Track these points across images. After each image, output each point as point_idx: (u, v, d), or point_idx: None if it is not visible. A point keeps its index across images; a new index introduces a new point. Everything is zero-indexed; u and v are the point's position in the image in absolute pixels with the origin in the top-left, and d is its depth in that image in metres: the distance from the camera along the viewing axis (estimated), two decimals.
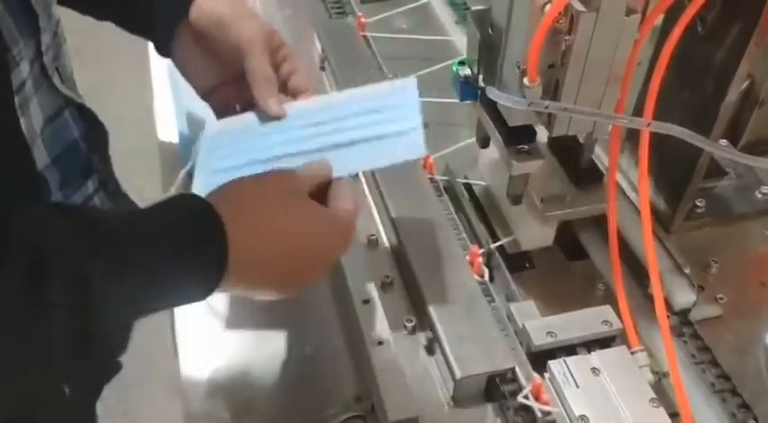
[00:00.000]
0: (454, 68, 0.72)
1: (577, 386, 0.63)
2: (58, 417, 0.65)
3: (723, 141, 0.72)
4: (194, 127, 0.79)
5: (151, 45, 0.73)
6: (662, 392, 0.66)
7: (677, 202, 0.76)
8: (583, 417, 0.61)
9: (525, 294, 0.75)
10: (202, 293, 0.54)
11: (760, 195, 0.81)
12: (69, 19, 0.72)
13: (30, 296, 0.44)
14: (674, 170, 0.75)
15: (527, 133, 0.69)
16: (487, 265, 0.76)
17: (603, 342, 0.68)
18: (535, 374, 0.65)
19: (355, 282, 0.72)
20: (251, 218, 0.55)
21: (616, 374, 0.64)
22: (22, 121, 0.58)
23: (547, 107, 0.63)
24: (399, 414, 0.62)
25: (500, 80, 0.67)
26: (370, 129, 0.64)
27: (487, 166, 0.84)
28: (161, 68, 0.96)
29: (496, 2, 0.65)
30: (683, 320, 0.73)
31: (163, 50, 0.71)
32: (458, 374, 0.64)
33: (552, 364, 0.65)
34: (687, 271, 0.74)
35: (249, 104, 0.70)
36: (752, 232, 0.81)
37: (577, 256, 0.81)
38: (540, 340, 0.67)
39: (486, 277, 0.74)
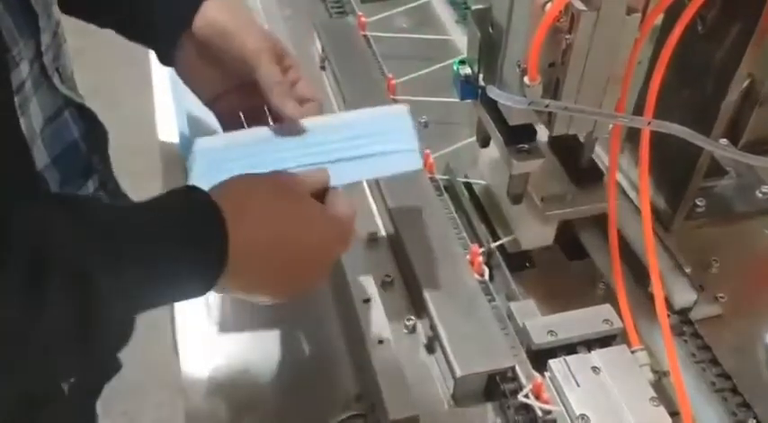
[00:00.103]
0: (454, 67, 0.72)
1: (578, 385, 0.63)
2: (58, 416, 0.65)
3: (723, 140, 0.72)
4: (194, 127, 0.79)
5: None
6: (662, 391, 0.66)
7: (677, 201, 0.76)
8: (583, 416, 0.61)
9: (525, 293, 0.75)
10: (201, 288, 0.54)
11: (760, 195, 0.81)
12: (70, 19, 0.72)
13: (30, 296, 0.44)
14: (675, 169, 0.75)
15: (527, 132, 0.69)
16: (488, 264, 0.76)
17: (604, 341, 0.68)
18: (535, 373, 0.65)
19: (355, 281, 0.72)
20: (252, 214, 0.55)
21: (616, 373, 0.64)
22: (21, 121, 0.58)
23: (547, 106, 0.63)
24: (400, 413, 0.62)
25: (500, 79, 0.67)
26: (368, 148, 0.67)
27: (488, 165, 0.83)
28: (161, 68, 0.96)
29: (497, 1, 0.65)
30: (683, 319, 0.73)
31: (165, 60, 0.71)
32: (458, 373, 0.65)
33: (552, 362, 0.65)
34: (687, 270, 0.74)
35: (253, 111, 0.71)
36: (752, 231, 0.81)
37: (578, 255, 0.81)
38: (540, 339, 0.67)
39: (487, 276, 0.74)
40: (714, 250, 0.77)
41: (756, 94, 0.70)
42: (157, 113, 0.96)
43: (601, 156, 0.80)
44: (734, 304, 0.74)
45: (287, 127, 0.68)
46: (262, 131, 0.69)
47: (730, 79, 0.66)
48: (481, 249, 0.75)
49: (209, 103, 0.72)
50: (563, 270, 0.80)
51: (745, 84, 0.69)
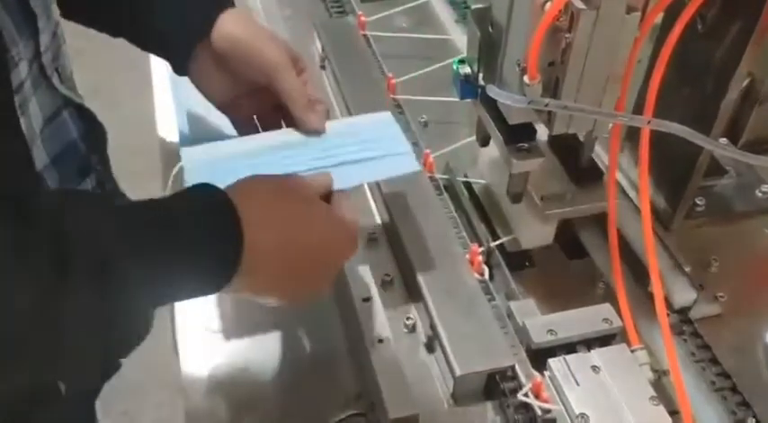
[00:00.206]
0: (454, 67, 0.72)
1: (577, 384, 0.63)
2: (57, 416, 0.65)
3: (723, 139, 0.72)
4: (194, 127, 0.79)
5: None
6: (662, 390, 0.66)
7: (677, 200, 0.76)
8: (583, 415, 0.61)
9: (525, 293, 0.75)
10: (214, 286, 0.53)
11: (760, 194, 0.81)
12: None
13: (54, 280, 0.44)
14: (674, 169, 0.75)
15: (527, 131, 0.69)
16: (487, 263, 0.76)
17: (603, 340, 0.68)
18: (535, 372, 0.65)
19: (355, 280, 0.72)
20: (264, 214, 0.55)
21: (616, 372, 0.64)
22: (21, 121, 0.58)
23: (547, 105, 0.62)
24: (399, 412, 0.62)
25: (500, 78, 0.67)
26: (365, 153, 0.68)
27: (487, 164, 0.83)
28: (161, 68, 0.96)
29: (497, 0, 0.65)
30: (682, 319, 0.73)
31: (180, 70, 0.72)
32: (458, 372, 0.65)
33: (552, 361, 0.65)
34: (687, 269, 0.74)
35: (267, 115, 0.73)
36: (752, 231, 0.81)
37: (577, 254, 0.81)
38: (540, 338, 0.67)
39: (486, 276, 0.74)
40: (714, 249, 0.77)
41: (756, 93, 0.70)
42: (157, 113, 0.97)
43: (600, 155, 0.80)
44: (733, 303, 0.74)
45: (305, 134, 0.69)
46: (248, 140, 0.70)
47: (730, 78, 0.66)
48: (481, 249, 0.75)
49: (222, 108, 0.73)
50: (563, 269, 0.80)
51: (745, 83, 0.69)
